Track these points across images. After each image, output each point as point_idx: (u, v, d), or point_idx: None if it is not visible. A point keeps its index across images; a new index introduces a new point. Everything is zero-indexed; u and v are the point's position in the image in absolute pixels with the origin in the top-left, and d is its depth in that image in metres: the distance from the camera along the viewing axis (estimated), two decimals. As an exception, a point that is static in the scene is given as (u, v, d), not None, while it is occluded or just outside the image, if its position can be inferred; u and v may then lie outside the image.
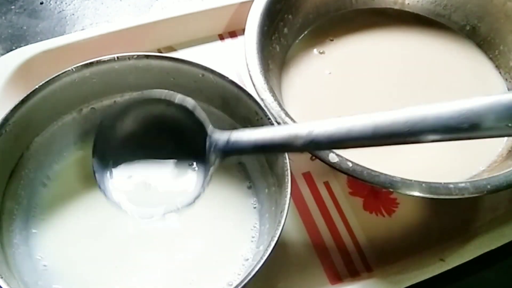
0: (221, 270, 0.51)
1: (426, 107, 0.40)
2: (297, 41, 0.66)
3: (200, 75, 0.54)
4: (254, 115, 0.53)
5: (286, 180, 0.48)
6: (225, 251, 0.52)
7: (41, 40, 0.66)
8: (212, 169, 0.46)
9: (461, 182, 0.50)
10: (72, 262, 0.51)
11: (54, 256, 0.51)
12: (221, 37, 0.72)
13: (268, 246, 0.44)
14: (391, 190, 0.50)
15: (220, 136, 0.46)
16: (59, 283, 0.50)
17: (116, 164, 0.49)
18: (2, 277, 0.42)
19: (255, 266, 0.43)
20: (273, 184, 0.52)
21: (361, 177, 0.49)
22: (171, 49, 0.70)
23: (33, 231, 0.52)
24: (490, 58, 0.67)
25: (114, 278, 0.50)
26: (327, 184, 0.60)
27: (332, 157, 0.50)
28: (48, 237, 0.52)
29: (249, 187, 0.55)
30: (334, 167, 0.50)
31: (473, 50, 0.68)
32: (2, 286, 0.42)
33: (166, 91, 0.48)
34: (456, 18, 0.69)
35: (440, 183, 0.49)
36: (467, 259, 0.54)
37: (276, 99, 0.53)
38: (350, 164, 0.49)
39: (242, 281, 0.43)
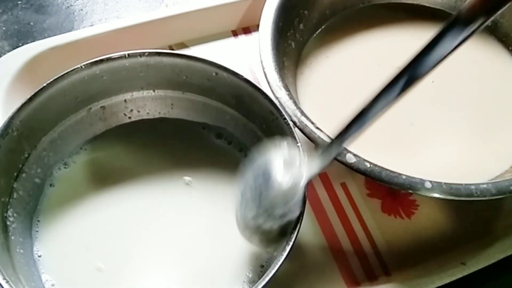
0: (236, 276, 0.50)
1: None
2: (313, 37, 0.66)
3: (214, 74, 0.53)
4: (270, 115, 0.52)
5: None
6: (240, 256, 0.51)
7: (49, 37, 0.65)
8: None
9: (483, 183, 0.49)
10: (77, 268, 0.50)
11: (60, 261, 0.51)
12: (235, 33, 0.71)
13: (283, 251, 0.43)
14: (411, 191, 0.49)
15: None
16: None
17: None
18: (7, 281, 0.42)
19: (270, 271, 0.42)
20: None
21: (380, 178, 0.48)
22: (183, 45, 0.69)
23: (39, 234, 0.51)
24: (513, 54, 0.67)
25: (120, 283, 0.50)
26: (344, 185, 0.59)
27: (350, 157, 0.49)
28: (53, 241, 0.51)
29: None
30: (352, 168, 0.49)
31: (495, 46, 0.67)
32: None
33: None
34: (476, 13, 0.68)
35: (461, 184, 0.48)
36: (489, 263, 0.53)
37: (291, 97, 0.52)
38: (368, 165, 0.49)
39: (256, 287, 0.42)
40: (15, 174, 0.50)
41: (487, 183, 0.49)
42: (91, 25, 0.74)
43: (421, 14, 0.69)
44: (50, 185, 0.54)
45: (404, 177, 0.48)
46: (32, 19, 0.74)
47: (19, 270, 0.47)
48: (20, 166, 0.51)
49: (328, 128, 0.50)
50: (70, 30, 0.72)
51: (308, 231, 0.56)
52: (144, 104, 0.57)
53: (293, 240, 0.44)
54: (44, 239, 0.51)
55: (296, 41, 0.62)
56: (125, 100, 0.56)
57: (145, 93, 0.56)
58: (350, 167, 0.49)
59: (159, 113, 0.58)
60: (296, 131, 0.50)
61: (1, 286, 0.41)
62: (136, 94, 0.56)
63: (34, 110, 0.50)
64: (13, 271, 0.45)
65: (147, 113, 0.58)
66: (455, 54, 0.65)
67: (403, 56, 0.64)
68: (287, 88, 0.53)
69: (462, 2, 0.68)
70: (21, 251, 0.49)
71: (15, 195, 0.50)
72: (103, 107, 0.56)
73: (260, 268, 0.50)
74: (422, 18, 0.68)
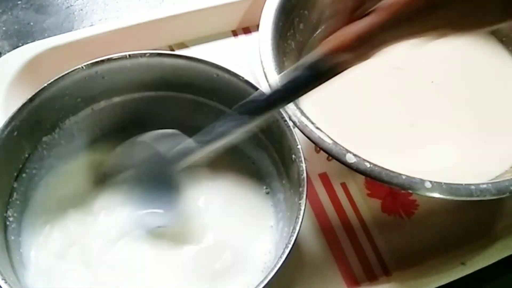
0: (238, 276, 0.50)
1: None
2: (313, 37, 0.65)
3: (215, 75, 0.53)
4: (270, 116, 0.51)
5: (302, 185, 0.47)
6: (242, 258, 0.51)
7: (49, 37, 0.65)
8: None
9: (483, 184, 0.49)
10: (78, 271, 0.50)
11: (61, 264, 0.50)
12: (235, 33, 0.71)
13: (282, 253, 0.43)
14: (411, 191, 0.49)
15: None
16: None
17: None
18: (6, 281, 0.42)
19: (269, 272, 0.42)
20: (289, 188, 0.51)
21: (380, 178, 0.48)
22: (183, 45, 0.69)
23: (40, 235, 0.51)
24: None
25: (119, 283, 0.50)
26: (344, 185, 0.59)
27: (350, 157, 0.49)
28: (55, 242, 0.51)
29: (267, 193, 0.54)
30: (352, 168, 0.49)
31: (495, 46, 0.66)
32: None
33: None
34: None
35: (461, 184, 0.48)
36: (489, 263, 0.53)
37: (291, 97, 0.52)
38: (368, 165, 0.49)
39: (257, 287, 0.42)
40: (15, 174, 0.50)
41: (487, 183, 0.49)
42: (91, 25, 0.74)
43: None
44: (53, 187, 0.53)
45: (404, 177, 0.48)
46: (32, 19, 0.74)
47: (19, 270, 0.47)
48: (20, 166, 0.51)
49: (328, 128, 0.51)
50: (70, 30, 0.72)
51: (308, 231, 0.56)
52: (145, 105, 0.56)
53: (291, 243, 0.44)
54: (48, 243, 0.51)
55: (296, 41, 0.62)
56: (125, 101, 0.56)
57: (145, 94, 0.56)
58: (350, 167, 0.49)
59: (160, 114, 0.57)
60: (296, 131, 0.49)
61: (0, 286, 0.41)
62: (137, 95, 0.56)
63: (35, 110, 0.50)
64: (12, 271, 0.45)
65: (148, 114, 0.57)
66: (455, 54, 0.65)
67: (403, 56, 0.64)
68: (287, 88, 0.53)
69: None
70: (21, 251, 0.49)
71: (15, 195, 0.50)
72: (103, 108, 0.55)
73: (263, 269, 0.50)
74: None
